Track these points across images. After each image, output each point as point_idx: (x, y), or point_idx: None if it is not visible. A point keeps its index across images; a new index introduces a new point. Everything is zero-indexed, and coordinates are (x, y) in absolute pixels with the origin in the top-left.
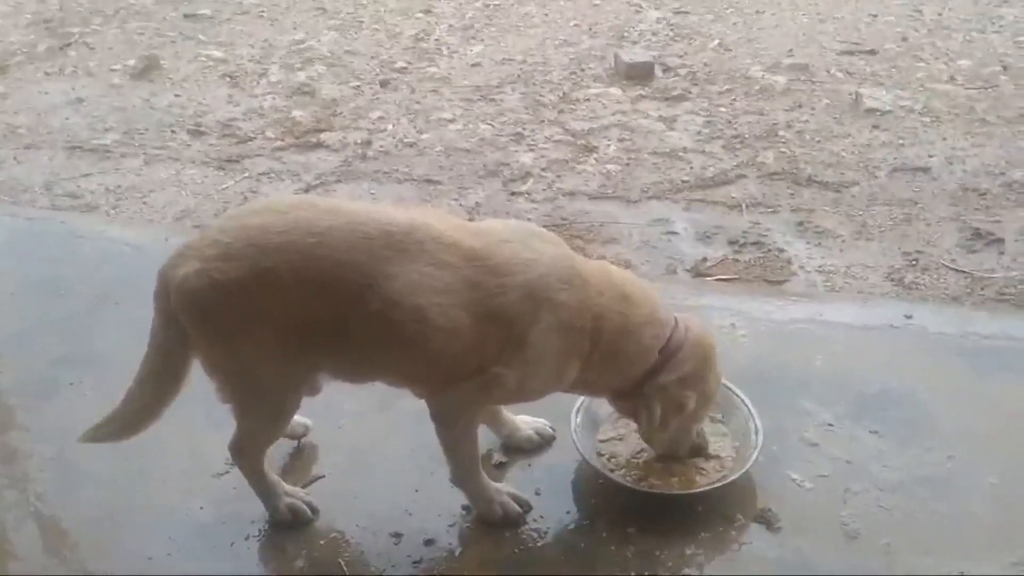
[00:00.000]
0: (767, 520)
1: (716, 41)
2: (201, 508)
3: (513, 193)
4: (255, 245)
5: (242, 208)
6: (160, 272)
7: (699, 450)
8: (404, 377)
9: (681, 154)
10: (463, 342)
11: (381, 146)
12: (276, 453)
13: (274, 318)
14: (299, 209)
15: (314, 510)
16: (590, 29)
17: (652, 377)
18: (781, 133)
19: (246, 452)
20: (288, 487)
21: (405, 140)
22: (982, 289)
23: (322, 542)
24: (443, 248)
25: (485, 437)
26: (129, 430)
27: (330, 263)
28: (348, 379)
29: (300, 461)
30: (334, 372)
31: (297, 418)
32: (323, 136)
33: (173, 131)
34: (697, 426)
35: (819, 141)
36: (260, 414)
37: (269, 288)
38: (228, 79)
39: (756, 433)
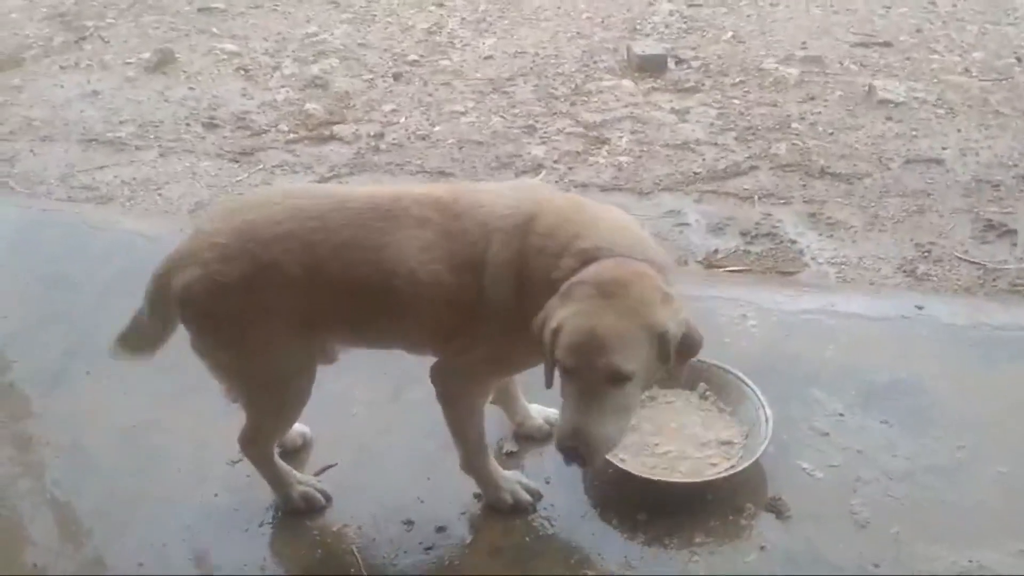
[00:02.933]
0: (777, 509)
1: (729, 33)
2: (215, 495)
3: None
4: (255, 240)
5: (230, 206)
6: (155, 277)
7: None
8: (412, 343)
9: (693, 146)
10: (449, 295)
11: (394, 138)
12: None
13: (281, 308)
14: (292, 198)
15: (327, 497)
16: (603, 22)
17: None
18: (794, 125)
19: (258, 443)
20: (300, 475)
21: (418, 132)
22: (994, 280)
23: (335, 529)
24: (422, 207)
25: (496, 427)
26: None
27: (331, 245)
28: (363, 347)
29: (312, 450)
30: (348, 344)
31: (296, 426)
32: (336, 129)
33: (188, 124)
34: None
35: (832, 133)
36: (272, 405)
37: (274, 280)
38: (242, 72)
39: (766, 423)
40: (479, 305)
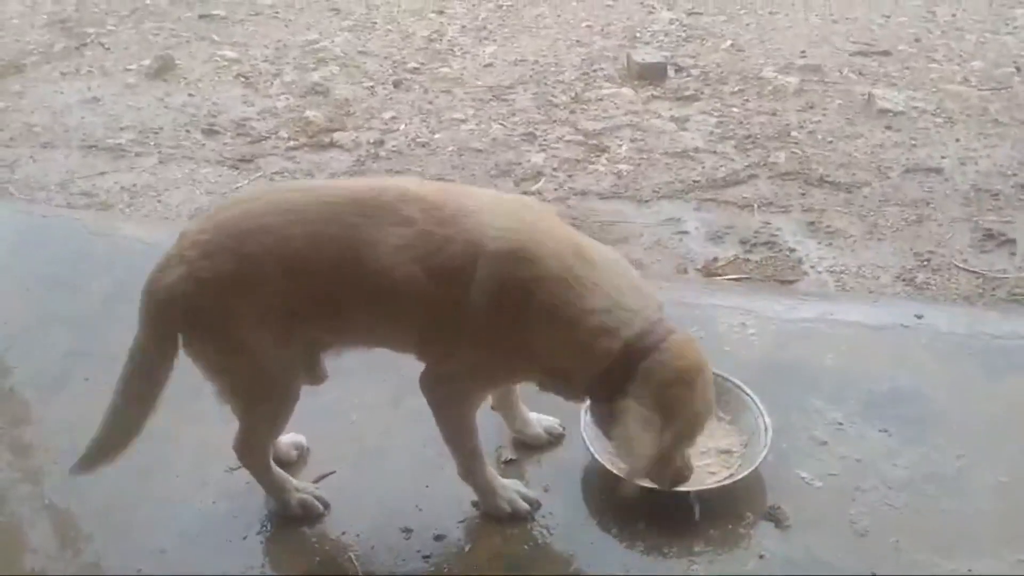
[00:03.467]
0: (776, 518)
1: (728, 42)
2: (214, 502)
3: (525, 192)
4: (233, 236)
5: (217, 207)
6: (145, 290)
7: (680, 479)
8: (395, 343)
9: (693, 154)
10: (425, 300)
11: (394, 146)
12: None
13: (265, 302)
14: (272, 193)
15: (325, 504)
16: (602, 30)
17: (624, 381)
18: (793, 133)
19: (254, 449)
20: (298, 482)
21: (418, 140)
22: (993, 289)
23: (333, 536)
24: (407, 205)
25: (494, 434)
26: (119, 450)
27: (307, 239)
28: (351, 348)
29: (311, 457)
30: (336, 344)
31: (291, 439)
32: (336, 136)
33: (187, 130)
34: (681, 452)
35: (831, 141)
36: (263, 407)
37: (254, 274)
38: (242, 79)
39: (765, 431)
40: (458, 315)
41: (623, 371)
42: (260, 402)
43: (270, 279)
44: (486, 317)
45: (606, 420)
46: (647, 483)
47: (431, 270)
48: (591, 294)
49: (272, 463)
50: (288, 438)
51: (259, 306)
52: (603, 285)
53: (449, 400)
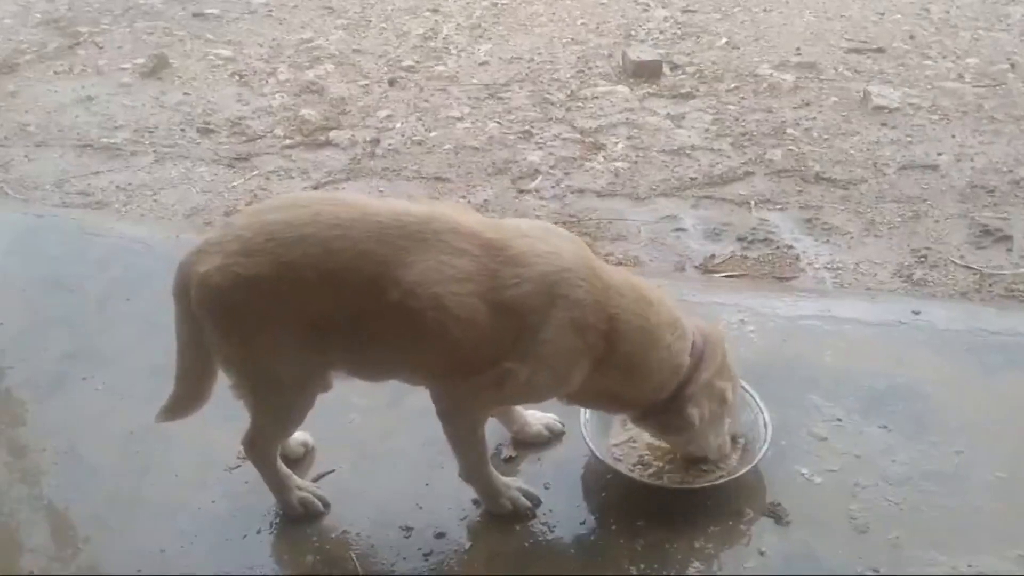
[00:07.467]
0: (776, 514)
1: (724, 39)
2: (213, 502)
3: (521, 191)
4: (276, 240)
5: (263, 204)
6: (180, 268)
7: (736, 436)
8: (420, 370)
9: (689, 152)
10: (478, 332)
11: (390, 144)
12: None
13: (294, 312)
14: (319, 203)
15: (325, 503)
16: (597, 28)
17: (688, 381)
18: (789, 131)
19: (259, 446)
20: (300, 481)
21: (414, 138)
22: (990, 285)
23: (333, 535)
24: (460, 237)
25: (494, 432)
26: (195, 407)
27: (349, 255)
28: (364, 375)
29: (311, 456)
30: (351, 367)
31: (298, 436)
32: (332, 134)
33: (183, 129)
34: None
35: (827, 139)
36: (275, 410)
37: (290, 282)
38: (237, 78)
39: (765, 428)
40: (513, 347)
41: (684, 383)
42: (272, 404)
43: (306, 290)
44: (555, 352)
45: (665, 425)
46: (648, 481)
47: (494, 305)
48: (660, 331)
49: (278, 461)
50: (297, 435)
51: (288, 314)
52: (664, 319)
53: (466, 414)
